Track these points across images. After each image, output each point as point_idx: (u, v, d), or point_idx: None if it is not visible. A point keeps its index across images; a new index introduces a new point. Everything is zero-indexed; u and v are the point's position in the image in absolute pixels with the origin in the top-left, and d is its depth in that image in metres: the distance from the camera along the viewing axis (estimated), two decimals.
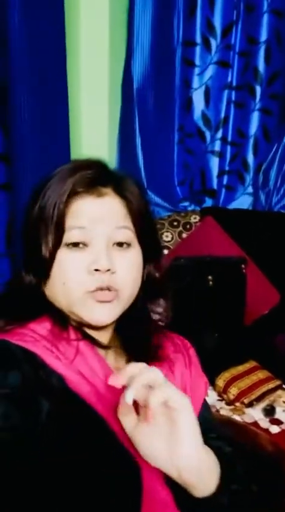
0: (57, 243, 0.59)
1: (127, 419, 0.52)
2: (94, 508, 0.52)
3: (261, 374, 1.33)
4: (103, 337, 0.63)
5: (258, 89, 1.66)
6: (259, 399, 1.25)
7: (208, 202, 1.84)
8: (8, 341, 0.56)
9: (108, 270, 0.58)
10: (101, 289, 0.58)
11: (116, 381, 0.50)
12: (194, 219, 1.73)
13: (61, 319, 0.60)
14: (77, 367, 0.57)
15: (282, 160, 1.71)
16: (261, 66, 1.63)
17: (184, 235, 1.70)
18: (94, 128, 1.60)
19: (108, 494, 0.52)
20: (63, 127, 1.37)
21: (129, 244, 0.61)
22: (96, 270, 0.58)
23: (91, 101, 1.57)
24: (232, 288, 1.40)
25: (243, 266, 1.42)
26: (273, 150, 1.71)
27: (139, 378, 0.49)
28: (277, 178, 1.74)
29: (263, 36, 1.59)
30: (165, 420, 0.50)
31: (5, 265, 1.14)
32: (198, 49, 1.64)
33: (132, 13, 1.61)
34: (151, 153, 1.75)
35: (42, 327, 0.59)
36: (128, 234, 0.61)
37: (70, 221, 0.58)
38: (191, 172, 1.81)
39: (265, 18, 1.57)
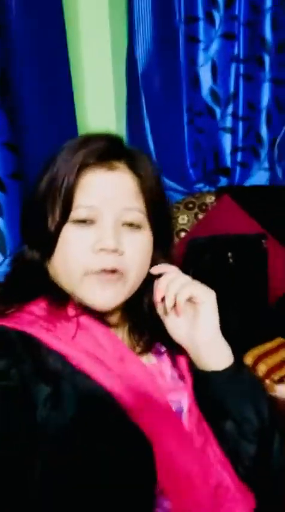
0: (64, 218, 0.56)
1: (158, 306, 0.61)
2: (108, 485, 0.50)
3: None
4: (111, 318, 0.61)
5: (267, 59, 1.60)
6: None
7: (223, 181, 1.79)
8: (3, 326, 0.54)
9: (115, 250, 0.55)
10: (105, 271, 0.55)
11: (158, 297, 0.60)
12: (210, 199, 1.69)
13: (61, 297, 0.58)
14: (81, 344, 0.55)
15: None
16: (268, 34, 1.57)
17: (200, 216, 1.66)
18: (100, 114, 1.57)
19: (121, 470, 0.50)
20: (69, 114, 1.36)
21: (138, 226, 0.58)
22: (102, 249, 0.55)
23: (95, 85, 1.54)
24: (253, 264, 1.36)
25: (263, 241, 1.37)
26: None
27: (173, 287, 0.58)
28: None
29: (268, 2, 1.53)
30: (190, 309, 0.59)
31: None
32: (201, 24, 1.59)
33: None
34: (161, 136, 1.72)
35: (39, 307, 0.57)
36: (138, 215, 0.58)
37: (79, 197, 0.56)
38: (203, 152, 1.77)
39: None
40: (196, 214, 1.67)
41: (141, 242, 0.58)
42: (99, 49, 1.53)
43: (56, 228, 0.56)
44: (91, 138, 0.58)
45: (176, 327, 0.61)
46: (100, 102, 1.56)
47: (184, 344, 0.61)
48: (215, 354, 0.59)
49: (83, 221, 0.56)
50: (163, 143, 1.72)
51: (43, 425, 0.49)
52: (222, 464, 0.55)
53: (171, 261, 0.64)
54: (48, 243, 0.57)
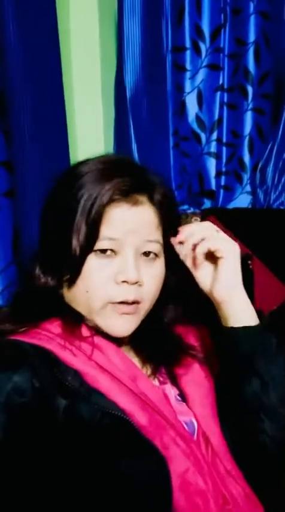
0: (90, 249, 0.58)
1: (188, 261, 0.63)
2: (123, 502, 0.51)
3: None
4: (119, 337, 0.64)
5: (250, 90, 1.68)
6: None
7: (207, 203, 1.84)
8: (20, 340, 0.55)
9: (137, 282, 0.58)
10: (126, 303, 0.57)
11: (176, 240, 0.61)
12: (196, 220, 1.73)
13: (75, 319, 0.59)
14: (96, 362, 0.56)
15: (278, 157, 1.73)
16: (251, 66, 1.66)
17: None
18: (90, 136, 1.61)
19: (137, 487, 0.52)
20: (61, 135, 1.38)
21: (156, 255, 0.62)
22: (124, 281, 0.58)
23: (85, 109, 1.58)
24: None
25: (249, 262, 1.42)
26: (269, 148, 1.73)
27: (194, 236, 0.60)
28: (274, 176, 1.75)
29: (251, 37, 1.62)
30: (212, 262, 0.62)
31: (12, 272, 1.12)
32: (188, 54, 1.66)
33: (120, 22, 1.63)
34: (148, 159, 1.76)
35: (55, 325, 0.59)
36: (157, 246, 0.62)
37: (104, 230, 0.58)
38: (188, 175, 1.82)
39: (252, 19, 1.60)
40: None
41: (157, 271, 0.62)
42: (90, 74, 1.58)
43: (81, 258, 0.58)
44: (115, 172, 0.60)
45: (202, 276, 0.63)
46: (89, 125, 1.60)
47: (210, 296, 0.63)
48: (238, 310, 0.61)
49: (104, 251, 0.57)
50: (149, 166, 1.76)
51: (59, 432, 0.50)
52: (233, 478, 0.56)
53: (179, 284, 0.66)
54: (72, 273, 0.58)
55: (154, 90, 1.72)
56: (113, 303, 0.58)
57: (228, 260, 0.60)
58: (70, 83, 1.51)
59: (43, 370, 0.53)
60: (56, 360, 0.55)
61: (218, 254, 0.60)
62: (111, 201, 0.59)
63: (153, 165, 1.83)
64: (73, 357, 0.56)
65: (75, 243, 0.58)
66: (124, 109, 1.71)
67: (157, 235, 0.62)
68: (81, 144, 1.57)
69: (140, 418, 0.54)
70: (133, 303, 0.59)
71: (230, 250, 0.60)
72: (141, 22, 1.64)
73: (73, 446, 0.51)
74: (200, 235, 0.60)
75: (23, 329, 0.58)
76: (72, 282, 0.59)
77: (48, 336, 0.57)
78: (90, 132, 1.60)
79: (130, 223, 0.60)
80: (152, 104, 1.74)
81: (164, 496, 0.52)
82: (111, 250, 0.59)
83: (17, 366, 0.52)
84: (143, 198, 0.62)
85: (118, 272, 0.58)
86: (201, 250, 0.60)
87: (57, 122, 1.34)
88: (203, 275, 0.63)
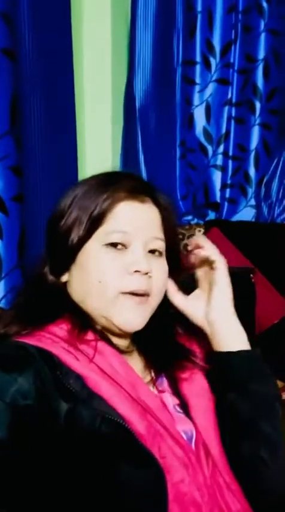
0: (89, 235, 0.60)
1: (178, 296, 0.66)
2: (118, 509, 0.51)
3: None
4: (122, 343, 0.63)
5: (257, 105, 1.71)
6: None
7: (211, 215, 1.86)
8: (25, 342, 0.55)
9: (147, 273, 0.60)
10: (136, 294, 0.59)
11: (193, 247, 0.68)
12: (199, 231, 1.75)
13: (83, 322, 0.60)
14: (98, 367, 0.57)
15: (284, 173, 1.75)
16: (260, 82, 1.68)
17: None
18: (98, 145, 1.63)
19: (132, 495, 0.52)
20: (70, 142, 1.40)
21: (160, 253, 0.63)
22: (136, 271, 0.59)
23: (95, 118, 1.60)
24: (241, 297, 1.40)
25: (251, 276, 1.42)
26: (274, 163, 1.75)
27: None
28: (279, 191, 1.77)
29: (261, 54, 1.65)
30: (206, 285, 0.67)
31: (16, 276, 1.13)
32: (198, 68, 1.69)
33: (133, 34, 1.66)
34: (154, 169, 1.78)
35: (60, 328, 0.59)
36: (162, 244, 0.63)
37: (114, 223, 0.60)
38: (193, 186, 1.84)
39: (262, 37, 1.63)
40: (185, 246, 1.71)
41: (163, 266, 0.64)
42: (101, 84, 1.60)
43: (80, 245, 0.61)
44: (121, 176, 0.65)
45: (194, 309, 0.66)
46: (98, 134, 1.62)
47: (204, 325, 0.65)
48: (233, 332, 0.64)
49: (115, 245, 0.60)
50: (155, 176, 1.78)
51: (60, 436, 0.51)
52: (233, 492, 0.56)
53: (181, 287, 0.68)
54: (68, 258, 0.61)
55: (163, 102, 1.75)
56: (124, 293, 0.59)
57: (221, 286, 0.66)
58: (81, 92, 1.53)
59: (46, 373, 0.54)
60: (59, 363, 0.56)
61: (215, 263, 0.67)
62: (122, 198, 0.61)
63: (159, 175, 1.88)
64: (76, 361, 0.56)
65: (76, 232, 0.61)
66: (133, 119, 1.74)
67: (161, 233, 0.64)
68: (89, 151, 1.59)
69: (138, 425, 0.53)
70: (144, 294, 0.60)
71: (223, 262, 0.67)
72: (153, 35, 1.66)
73: (72, 450, 0.51)
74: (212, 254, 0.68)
75: (28, 331, 0.58)
76: (70, 264, 0.61)
77: (53, 340, 0.58)
78: (98, 140, 1.62)
79: (140, 219, 0.62)
80: (161, 115, 1.76)
81: (160, 505, 0.52)
82: (122, 244, 0.60)
83: (22, 368, 0.53)
84: (147, 198, 0.64)
85: (131, 263, 0.59)
86: (203, 253, 0.67)
87: (67, 129, 1.35)
88: (195, 304, 0.67)
